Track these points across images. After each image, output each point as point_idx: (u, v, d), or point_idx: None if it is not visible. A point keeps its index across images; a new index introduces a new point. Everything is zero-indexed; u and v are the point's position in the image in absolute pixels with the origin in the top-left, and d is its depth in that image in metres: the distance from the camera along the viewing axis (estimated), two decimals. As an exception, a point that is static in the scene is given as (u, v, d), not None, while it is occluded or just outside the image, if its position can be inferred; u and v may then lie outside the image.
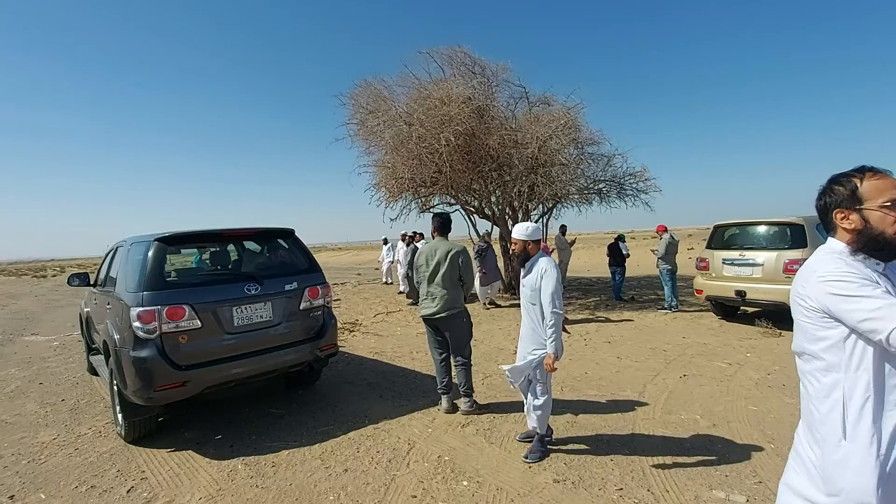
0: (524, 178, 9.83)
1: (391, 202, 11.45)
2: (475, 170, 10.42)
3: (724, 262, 7.57)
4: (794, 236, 6.95)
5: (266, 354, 3.88)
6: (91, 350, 5.62)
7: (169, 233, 3.81)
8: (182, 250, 5.83)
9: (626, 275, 10.93)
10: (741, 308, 8.14)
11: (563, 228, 11.47)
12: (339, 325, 8.53)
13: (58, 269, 45.27)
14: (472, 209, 12.15)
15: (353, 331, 8.21)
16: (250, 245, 4.75)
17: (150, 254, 3.63)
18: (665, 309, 8.90)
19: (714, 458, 3.23)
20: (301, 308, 4.15)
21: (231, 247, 4.68)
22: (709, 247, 8.04)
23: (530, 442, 3.37)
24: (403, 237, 13.06)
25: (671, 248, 8.86)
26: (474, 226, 12.25)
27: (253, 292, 3.85)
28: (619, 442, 3.50)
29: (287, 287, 4.06)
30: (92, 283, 5.22)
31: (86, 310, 5.60)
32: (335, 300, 12.62)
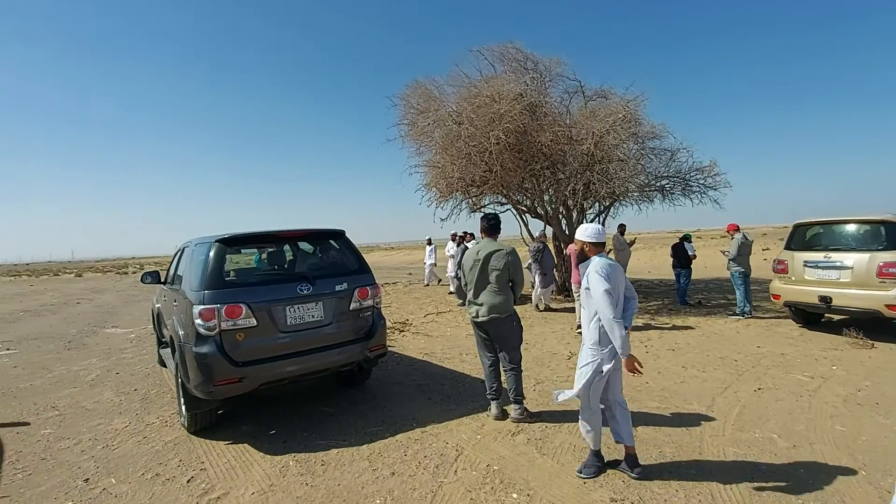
0: (579, 176, 9.47)
1: (441, 202, 11.43)
2: (527, 168, 10.18)
3: (805, 265, 6.88)
4: (890, 236, 6.19)
5: (317, 353, 3.93)
6: (161, 343, 5.99)
7: (228, 234, 3.95)
8: (242, 250, 6.09)
9: (692, 277, 10.26)
10: (825, 315, 7.39)
11: (621, 228, 10.95)
12: (388, 325, 8.65)
13: (137, 266, 49.42)
14: (523, 208, 11.91)
15: (402, 331, 8.25)
16: (303, 246, 4.85)
17: (211, 254, 3.78)
18: (736, 315, 8.24)
19: (793, 483, 2.89)
20: (351, 308, 4.17)
21: (286, 247, 4.80)
22: (788, 247, 7.34)
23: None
24: (453, 237, 13.01)
25: (744, 249, 8.19)
26: (526, 225, 12.00)
27: (305, 292, 3.91)
28: (684, 460, 3.22)
29: (338, 287, 4.10)
30: (162, 280, 5.55)
31: (157, 305, 5.97)
32: (386, 300, 12.80)
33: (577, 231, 3.08)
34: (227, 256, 4.80)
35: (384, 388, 5.04)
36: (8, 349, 8.24)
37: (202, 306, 3.54)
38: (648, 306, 9.91)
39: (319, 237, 4.57)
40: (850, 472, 3.01)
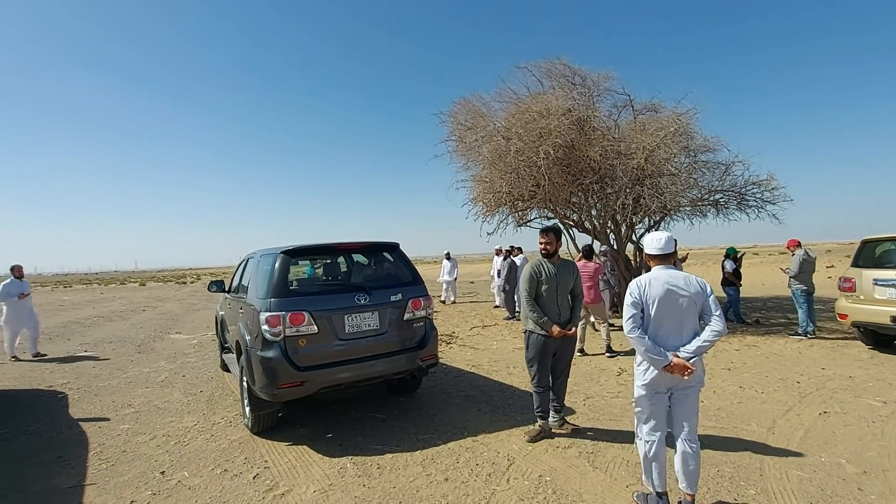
0: (628, 190, 9.34)
1: (488, 216, 11.56)
2: (575, 182, 10.15)
3: (875, 283, 6.48)
4: (974, 253, 5.75)
5: (373, 361, 4.11)
6: (224, 349, 6.38)
7: (293, 246, 4.23)
8: (299, 262, 6.44)
9: (748, 294, 9.79)
10: (899, 337, 6.90)
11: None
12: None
13: (195, 276, 52.30)
14: (570, 223, 11.83)
15: (449, 343, 8.37)
16: (359, 258, 5.09)
17: (276, 265, 4.07)
18: (798, 335, 7.81)
19: (868, 512, 2.76)
20: (405, 318, 4.34)
21: (341, 259, 5.06)
22: (855, 264, 6.94)
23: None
24: (498, 251, 13.06)
25: (806, 266, 7.79)
26: (573, 239, 11.89)
27: (362, 302, 4.11)
28: (744, 482, 3.13)
29: (392, 298, 4.29)
30: (227, 289, 5.94)
31: (221, 313, 6.39)
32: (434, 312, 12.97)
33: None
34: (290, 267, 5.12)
35: (434, 398, 5.16)
36: (86, 350, 9.00)
37: (269, 313, 3.81)
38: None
39: (375, 249, 4.79)
40: (929, 503, 2.83)
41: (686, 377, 2.54)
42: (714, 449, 3.64)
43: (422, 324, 4.49)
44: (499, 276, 12.45)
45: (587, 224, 11.54)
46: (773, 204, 9.88)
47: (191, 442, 4.24)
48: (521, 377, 5.92)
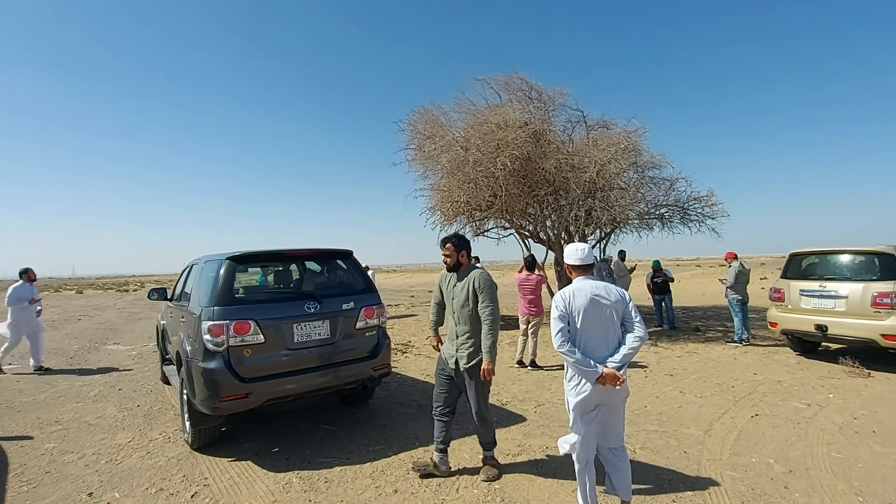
0: (581, 203, 9.68)
1: (446, 225, 11.64)
2: (531, 194, 10.41)
3: (801, 294, 6.99)
4: (884, 267, 6.32)
5: (323, 371, 4.01)
6: (165, 360, 6.05)
7: (239, 252, 4.08)
8: (248, 269, 6.21)
9: (690, 304, 10.36)
10: (822, 344, 7.46)
11: (622, 254, 11.11)
12: (392, 346, 8.71)
13: (138, 284, 49.42)
14: (526, 233, 12.09)
15: (405, 352, 8.30)
16: (311, 265, 4.98)
17: (221, 271, 3.91)
18: (734, 342, 8.30)
19: (792, 508, 2.94)
20: (357, 327, 4.27)
21: (293, 266, 4.93)
22: (784, 276, 7.47)
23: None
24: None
25: (741, 278, 8.31)
26: (528, 249, 12.14)
27: (312, 310, 4.02)
28: (681, 482, 3.27)
29: (344, 306, 4.21)
30: (169, 297, 5.65)
31: (162, 322, 6.06)
32: (388, 322, 12.85)
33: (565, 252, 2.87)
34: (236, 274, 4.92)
35: (386, 408, 5.09)
36: (10, 364, 8.28)
37: (211, 322, 3.65)
38: (649, 333, 9.95)
39: (327, 257, 4.69)
40: (847, 498, 3.05)
41: (617, 387, 2.54)
42: (655, 452, 3.79)
43: (374, 333, 4.43)
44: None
45: (542, 235, 11.84)
46: (713, 219, 10.52)
47: (124, 460, 3.97)
48: (474, 386, 5.95)
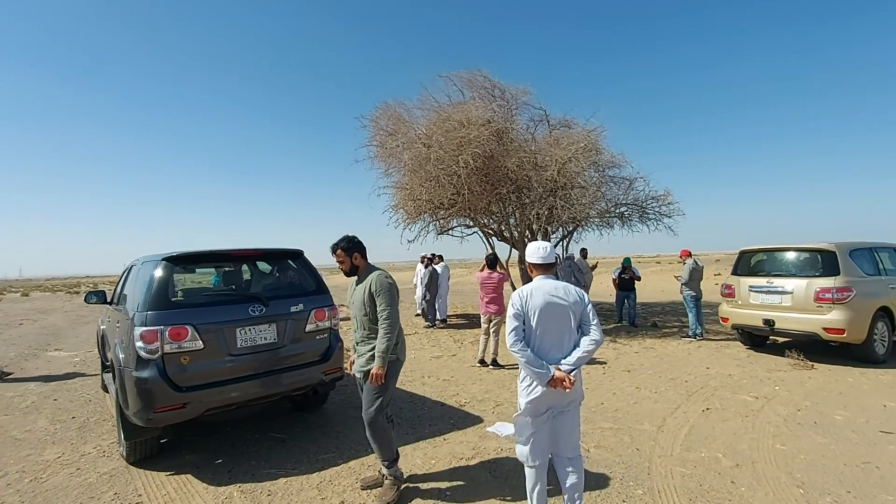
0: (543, 201, 9.74)
1: (409, 224, 11.49)
2: (494, 192, 10.39)
3: (750, 290, 7.24)
4: (826, 263, 6.62)
5: (269, 377, 3.82)
6: (105, 367, 5.67)
7: (177, 252, 3.83)
8: (198, 269, 5.88)
9: (649, 300, 10.61)
10: (770, 338, 7.75)
11: (583, 252, 11.27)
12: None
13: (91, 285, 46.83)
14: (490, 231, 12.08)
15: (365, 353, 8.11)
16: (262, 265, 4.75)
17: (156, 273, 3.65)
18: (689, 337, 8.54)
19: (736, 503, 2.98)
20: (307, 330, 4.09)
21: (245, 267, 4.69)
22: (734, 273, 7.72)
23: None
24: (423, 259, 13.02)
25: (695, 274, 8.55)
26: (492, 248, 12.14)
27: (257, 313, 3.81)
28: (633, 482, 3.27)
29: (293, 309, 4.02)
30: (109, 300, 5.29)
31: (102, 327, 5.68)
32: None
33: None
34: (183, 276, 4.64)
35: (341, 413, 4.92)
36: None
37: (144, 328, 3.40)
38: (609, 328, 10.14)
39: (276, 257, 4.48)
40: (788, 492, 3.11)
41: (567, 390, 2.45)
42: (608, 450, 3.80)
43: (326, 335, 4.25)
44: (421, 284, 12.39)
45: (506, 233, 11.85)
46: (669, 217, 10.79)
47: (50, 478, 3.66)
48: (434, 387, 5.86)
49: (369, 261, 3.38)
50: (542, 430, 2.55)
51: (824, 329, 6.34)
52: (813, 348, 7.06)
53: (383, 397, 3.12)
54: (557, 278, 2.71)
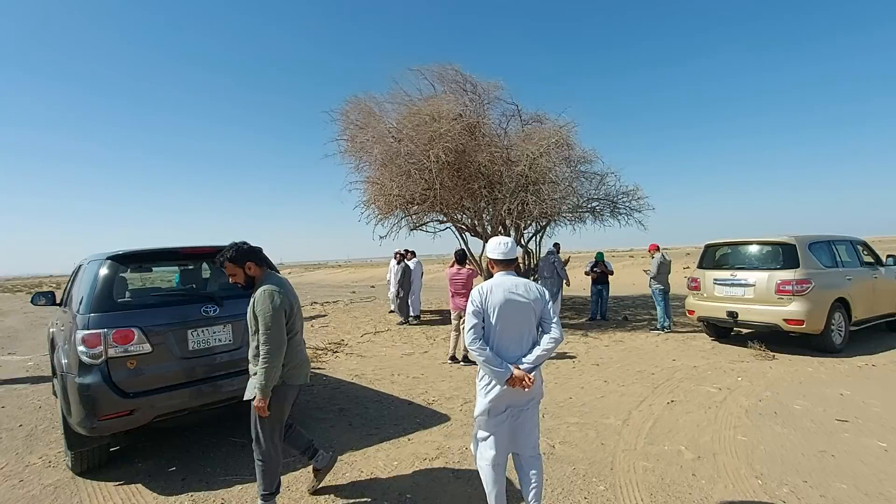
0: (515, 196, 9.72)
1: (382, 219, 11.35)
2: (465, 187, 10.33)
3: (715, 283, 7.38)
4: (786, 256, 6.79)
5: (224, 380, 3.65)
6: (55, 373, 5.39)
7: (123, 250, 3.63)
8: (158, 269, 5.63)
9: (620, 294, 10.74)
10: (734, 329, 7.93)
11: (556, 246, 11.32)
12: (322, 345, 8.35)
13: (54, 285, 44.90)
14: (463, 227, 12.03)
15: (336, 351, 7.97)
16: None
17: (100, 273, 3.45)
18: (657, 329, 8.68)
19: (696, 497, 2.99)
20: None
21: (204, 265, 4.49)
22: (700, 266, 7.87)
23: None
24: (396, 255, 12.89)
25: (663, 268, 8.68)
26: (466, 244, 12.10)
27: (211, 314, 3.64)
28: (595, 478, 3.26)
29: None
30: (57, 301, 5.02)
31: (51, 330, 5.39)
32: (324, 319, 12.39)
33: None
34: (145, 276, 4.42)
35: (304, 414, 4.78)
36: None
37: (86, 331, 3.19)
38: (581, 322, 10.23)
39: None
40: (747, 484, 3.14)
41: (526, 390, 2.39)
42: (573, 446, 3.79)
43: (285, 336, 4.11)
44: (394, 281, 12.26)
45: (479, 228, 11.82)
46: (639, 212, 10.94)
47: (-11, 491, 3.44)
48: (403, 385, 5.77)
49: (267, 269, 2.93)
50: (502, 429, 2.49)
51: (785, 320, 6.51)
52: (774, 339, 7.26)
53: (266, 425, 2.74)
54: (519, 274, 2.64)
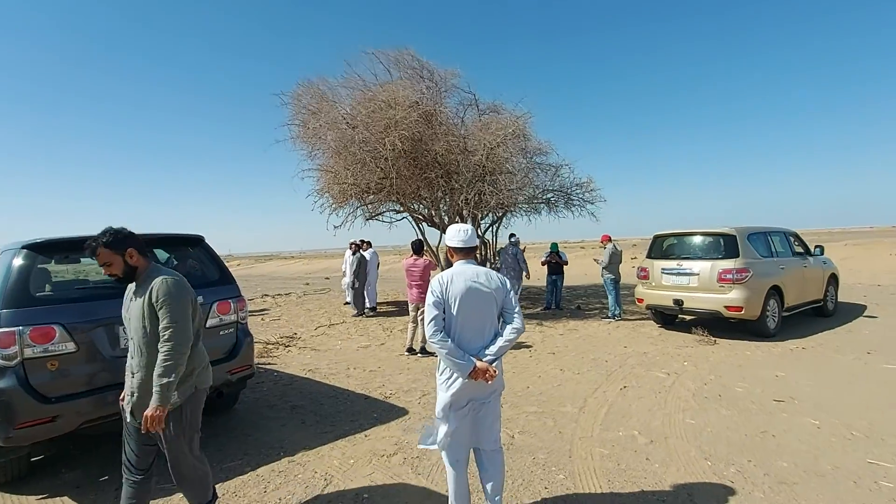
0: (472, 186, 9.68)
1: (336, 209, 11.01)
2: (422, 176, 10.17)
3: (663, 272, 7.67)
4: (727, 246, 7.14)
5: (163, 380, 3.37)
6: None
7: (41, 238, 3.24)
8: (83, 259, 5.13)
9: (573, 283, 11.00)
10: (679, 316, 8.30)
11: (513, 237, 11.42)
12: (274, 339, 8.01)
13: None
14: (420, 217, 11.88)
15: (288, 346, 7.66)
16: (158, 254, 4.20)
17: (14, 264, 3.06)
18: (609, 318, 8.95)
19: (651, 480, 3.06)
20: (208, 325, 3.66)
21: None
22: (649, 256, 8.15)
23: None
24: (351, 245, 12.57)
25: (615, 258, 8.94)
26: (423, 234, 11.97)
27: (146, 308, 3.34)
28: (555, 467, 3.27)
29: (191, 302, 3.57)
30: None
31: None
32: (276, 312, 11.92)
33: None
34: (66, 267, 4.01)
35: (253, 413, 4.53)
36: None
37: (-3, 330, 2.84)
38: (536, 313, 10.39)
39: (170, 244, 3.97)
40: (697, 466, 3.25)
41: (489, 382, 2.32)
42: (532, 435, 3.80)
43: (231, 330, 3.85)
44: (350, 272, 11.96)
45: (436, 219, 11.71)
46: (592, 203, 11.21)
47: None
48: (359, 379, 5.61)
49: (153, 262, 2.49)
50: (464, 423, 2.41)
51: (725, 307, 6.86)
52: (715, 325, 7.64)
53: (181, 441, 2.38)
54: (478, 263, 2.55)
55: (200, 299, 3.58)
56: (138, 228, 2.59)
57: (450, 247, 2.52)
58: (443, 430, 2.41)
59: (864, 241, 23.53)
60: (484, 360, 2.33)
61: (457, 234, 2.50)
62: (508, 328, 2.42)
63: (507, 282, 2.51)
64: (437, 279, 2.41)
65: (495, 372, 2.33)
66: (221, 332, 3.77)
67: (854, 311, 8.89)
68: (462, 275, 2.40)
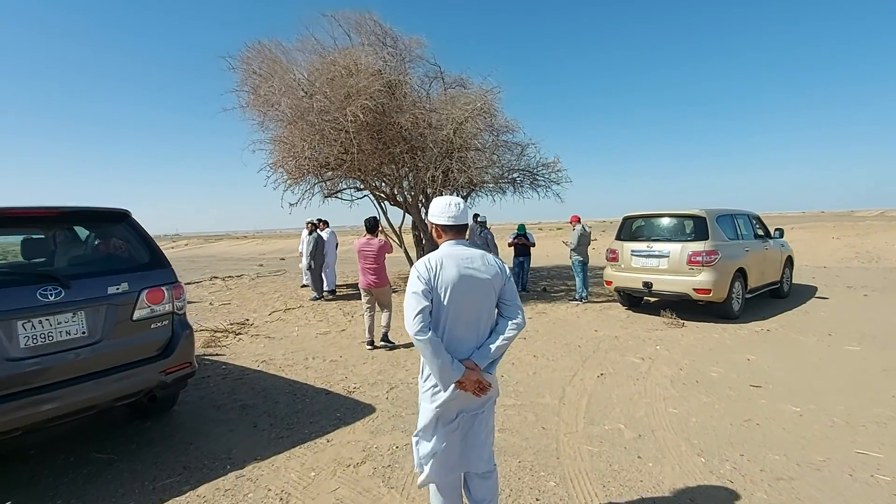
0: (438, 163, 9.19)
1: (291, 185, 10.22)
2: (386, 151, 9.58)
3: (632, 254, 7.55)
4: (697, 228, 7.08)
5: (76, 386, 2.77)
6: None
7: None
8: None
9: (536, 265, 10.83)
10: (644, 298, 8.27)
11: (478, 217, 11.08)
12: (223, 326, 7.32)
13: None
14: (382, 195, 11.30)
15: (239, 333, 7.02)
16: (79, 230, 3.50)
17: None
18: (576, 300, 8.82)
19: (648, 483, 2.81)
20: (135, 318, 3.07)
21: (38, 235, 3.42)
22: (618, 238, 8.02)
23: None
24: (308, 225, 11.82)
25: (583, 240, 8.76)
26: (385, 213, 11.41)
27: (52, 298, 2.71)
28: (544, 472, 2.96)
29: (111, 290, 2.96)
30: None
31: None
32: (226, 296, 11.09)
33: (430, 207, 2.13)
34: None
35: (196, 416, 3.95)
36: None
37: None
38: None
39: (89, 220, 3.30)
40: (691, 463, 3.03)
41: (480, 395, 1.94)
42: (514, 433, 3.48)
43: (165, 323, 3.26)
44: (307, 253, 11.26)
45: (399, 197, 11.18)
46: (558, 184, 11.02)
47: None
48: (319, 371, 5.12)
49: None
50: (453, 440, 1.98)
51: (694, 289, 6.82)
52: (682, 307, 7.64)
53: None
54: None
55: (124, 286, 2.99)
56: (61, 202, 1.99)
57: (436, 224, 2.05)
58: (424, 449, 1.99)
59: (806, 224, 24.90)
60: (480, 365, 1.92)
61: (446, 208, 2.03)
62: (510, 324, 2.00)
63: (506, 267, 2.09)
64: (424, 263, 1.95)
65: (488, 384, 1.93)
66: (153, 326, 3.18)
67: (806, 293, 9.19)
68: (453, 258, 1.95)
